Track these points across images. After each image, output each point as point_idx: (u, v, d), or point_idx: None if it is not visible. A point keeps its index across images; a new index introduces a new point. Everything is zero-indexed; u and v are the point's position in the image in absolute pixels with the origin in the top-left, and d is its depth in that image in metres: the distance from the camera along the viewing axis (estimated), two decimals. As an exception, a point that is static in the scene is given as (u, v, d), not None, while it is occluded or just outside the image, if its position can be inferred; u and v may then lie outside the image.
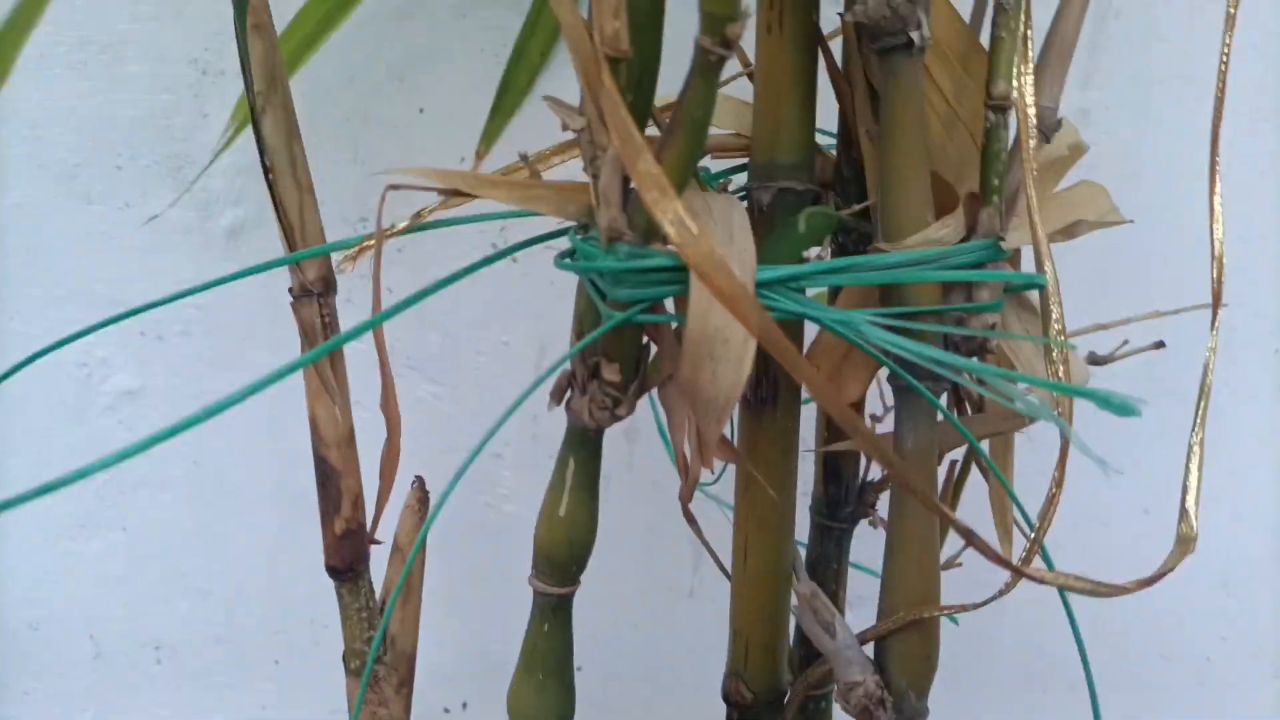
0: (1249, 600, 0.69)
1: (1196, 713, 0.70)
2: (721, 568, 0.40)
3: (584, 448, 0.34)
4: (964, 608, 0.33)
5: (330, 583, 0.68)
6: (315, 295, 0.40)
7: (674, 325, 0.31)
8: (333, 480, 0.42)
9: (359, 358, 0.44)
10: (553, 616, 0.37)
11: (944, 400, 0.34)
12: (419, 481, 0.47)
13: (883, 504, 0.43)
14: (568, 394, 0.34)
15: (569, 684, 0.38)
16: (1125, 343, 0.40)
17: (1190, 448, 0.35)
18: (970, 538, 0.27)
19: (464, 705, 0.70)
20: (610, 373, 0.31)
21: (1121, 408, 0.27)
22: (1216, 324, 0.36)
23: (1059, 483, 0.31)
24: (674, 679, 0.69)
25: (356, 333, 0.28)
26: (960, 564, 0.38)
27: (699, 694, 0.66)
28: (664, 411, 0.34)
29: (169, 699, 0.69)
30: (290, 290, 0.41)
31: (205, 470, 0.66)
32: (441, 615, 0.65)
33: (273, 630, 0.68)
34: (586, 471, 0.34)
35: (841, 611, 0.46)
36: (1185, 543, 0.34)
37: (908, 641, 0.34)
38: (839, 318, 0.30)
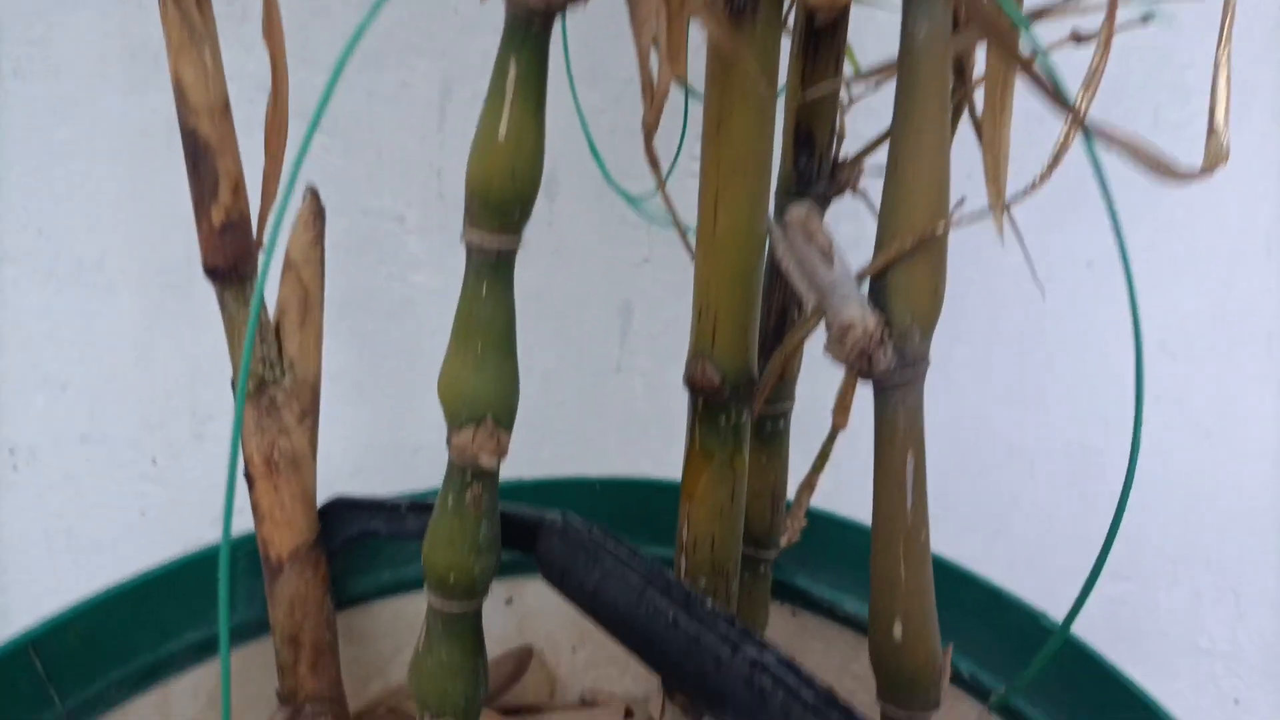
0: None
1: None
2: (684, 238, 0.35)
3: (527, 44, 0.28)
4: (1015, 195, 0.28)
5: (214, 366, 0.60)
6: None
7: None
8: (206, 159, 0.35)
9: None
10: (492, 276, 0.31)
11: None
12: (312, 195, 0.40)
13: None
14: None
15: (513, 360, 0.32)
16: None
17: (1216, 63, 0.31)
18: (1055, 93, 0.22)
19: (371, 501, 0.64)
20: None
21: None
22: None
23: (1106, 44, 0.26)
24: (601, 457, 0.64)
25: None
26: (964, 199, 0.33)
27: (628, 472, 0.62)
28: (628, 11, 0.28)
29: (30, 508, 0.61)
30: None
31: (54, 241, 0.57)
32: (346, 401, 0.59)
33: (148, 425, 0.60)
34: (531, 78, 0.28)
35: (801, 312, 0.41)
36: (1215, 156, 0.30)
37: (914, 270, 0.29)
38: None
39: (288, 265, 0.40)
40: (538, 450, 0.63)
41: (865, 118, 0.39)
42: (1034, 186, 0.29)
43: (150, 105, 0.55)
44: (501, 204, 0.29)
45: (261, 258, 0.37)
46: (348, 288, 0.58)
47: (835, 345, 0.30)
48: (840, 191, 0.38)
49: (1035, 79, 0.23)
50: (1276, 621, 0.73)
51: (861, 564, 0.50)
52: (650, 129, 0.30)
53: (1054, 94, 0.23)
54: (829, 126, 0.37)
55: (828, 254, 0.28)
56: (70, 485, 0.61)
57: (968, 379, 0.64)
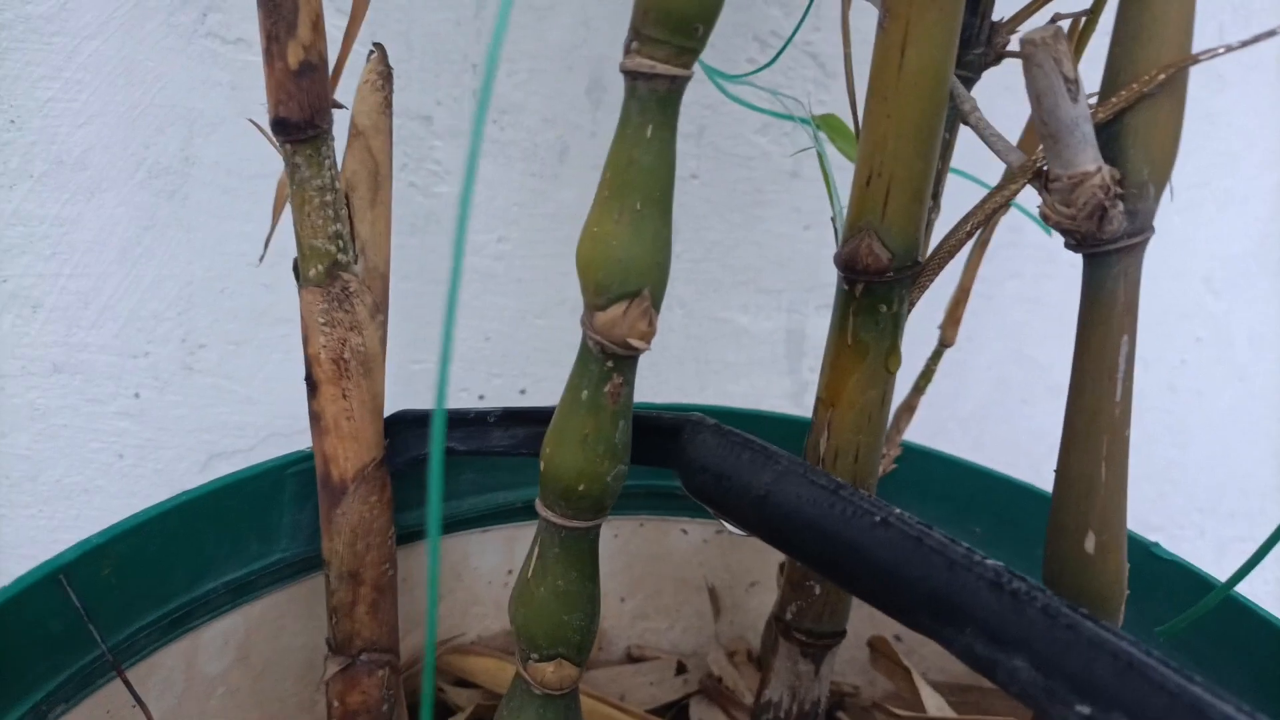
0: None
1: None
2: (848, 63, 0.30)
3: None
4: (1249, 41, 0.25)
5: (211, 287, 0.53)
6: None
7: None
8: (285, -18, 0.29)
9: None
10: (659, 114, 0.26)
11: None
12: (379, 50, 0.35)
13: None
14: None
15: (670, 225, 0.27)
16: None
17: None
18: None
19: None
20: None
21: None
22: None
23: None
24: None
25: None
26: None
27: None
28: None
29: (-8, 446, 0.54)
30: None
31: (29, 134, 0.49)
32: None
33: (131, 353, 0.54)
34: None
35: (938, 204, 0.37)
36: None
37: (1156, 112, 0.25)
38: None
39: (354, 133, 0.34)
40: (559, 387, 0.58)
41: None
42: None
43: (145, -21, 0.48)
44: (684, 18, 0.24)
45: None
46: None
47: (1060, 200, 0.26)
48: (998, 59, 0.34)
49: None
50: (1293, 571, 0.72)
51: (950, 498, 0.47)
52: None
53: None
54: (996, -24, 0.33)
55: (1073, 85, 0.24)
56: (39, 421, 0.54)
57: (1015, 312, 0.61)
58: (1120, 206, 0.26)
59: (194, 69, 0.49)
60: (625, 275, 0.27)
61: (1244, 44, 0.25)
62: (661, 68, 0.25)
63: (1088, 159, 0.25)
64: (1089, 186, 0.25)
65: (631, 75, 0.26)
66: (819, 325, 0.59)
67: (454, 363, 0.57)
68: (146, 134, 0.50)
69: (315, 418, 0.34)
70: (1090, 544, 0.28)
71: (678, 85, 0.26)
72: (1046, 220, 0.27)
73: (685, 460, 0.29)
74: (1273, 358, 0.66)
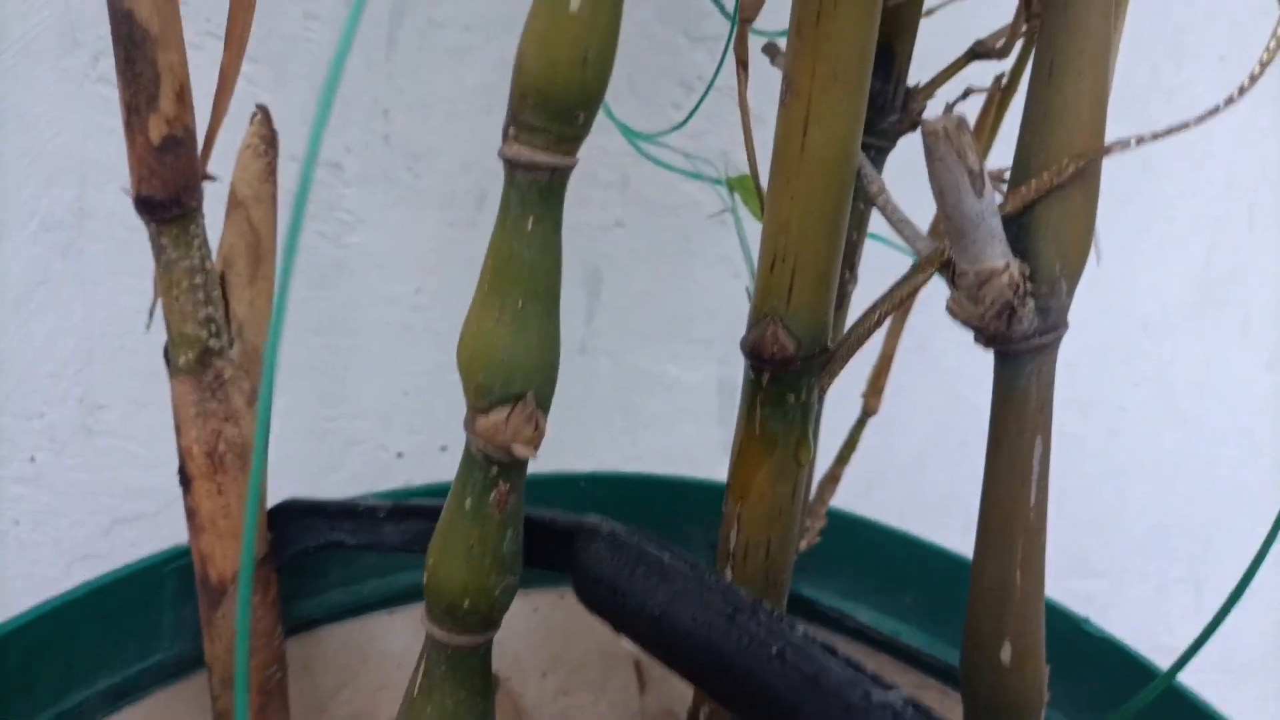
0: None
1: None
2: (751, 152, 0.28)
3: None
4: (1159, 134, 0.23)
5: (110, 344, 0.51)
6: None
7: None
8: (144, 51, 0.27)
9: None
10: (541, 206, 0.24)
11: None
12: (263, 114, 0.33)
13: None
14: None
15: (557, 321, 0.25)
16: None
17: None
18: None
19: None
20: None
21: None
22: None
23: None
24: (557, 451, 0.57)
25: None
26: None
27: (589, 467, 0.55)
28: None
29: (-127, 514, 0.50)
30: None
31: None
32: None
33: (26, 415, 0.51)
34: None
35: (854, 275, 0.36)
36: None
37: (1068, 204, 0.24)
38: None
39: (234, 203, 0.32)
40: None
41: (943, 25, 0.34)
42: (1240, 93, 0.23)
43: (37, 19, 0.45)
44: (566, 104, 0.22)
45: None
46: (282, 252, 0.50)
47: (967, 296, 0.24)
48: (913, 126, 0.32)
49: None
50: (1235, 614, 0.71)
51: (878, 568, 0.45)
52: (750, 15, 0.23)
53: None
54: (910, 43, 0.31)
55: (977, 178, 0.23)
56: (-75, 486, 0.50)
57: (950, 357, 0.60)
58: (1031, 304, 0.24)
59: (87, 115, 0.47)
60: (508, 378, 0.25)
61: (1159, 135, 0.24)
62: (542, 157, 0.23)
63: (995, 254, 0.23)
64: (997, 284, 0.24)
65: (510, 164, 0.24)
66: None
67: (371, 418, 0.54)
68: (38, 184, 0.47)
69: (190, 514, 0.31)
70: (1006, 654, 0.27)
71: (560, 175, 0.24)
72: (953, 316, 0.25)
73: (579, 570, 0.27)
74: (1212, 401, 0.65)
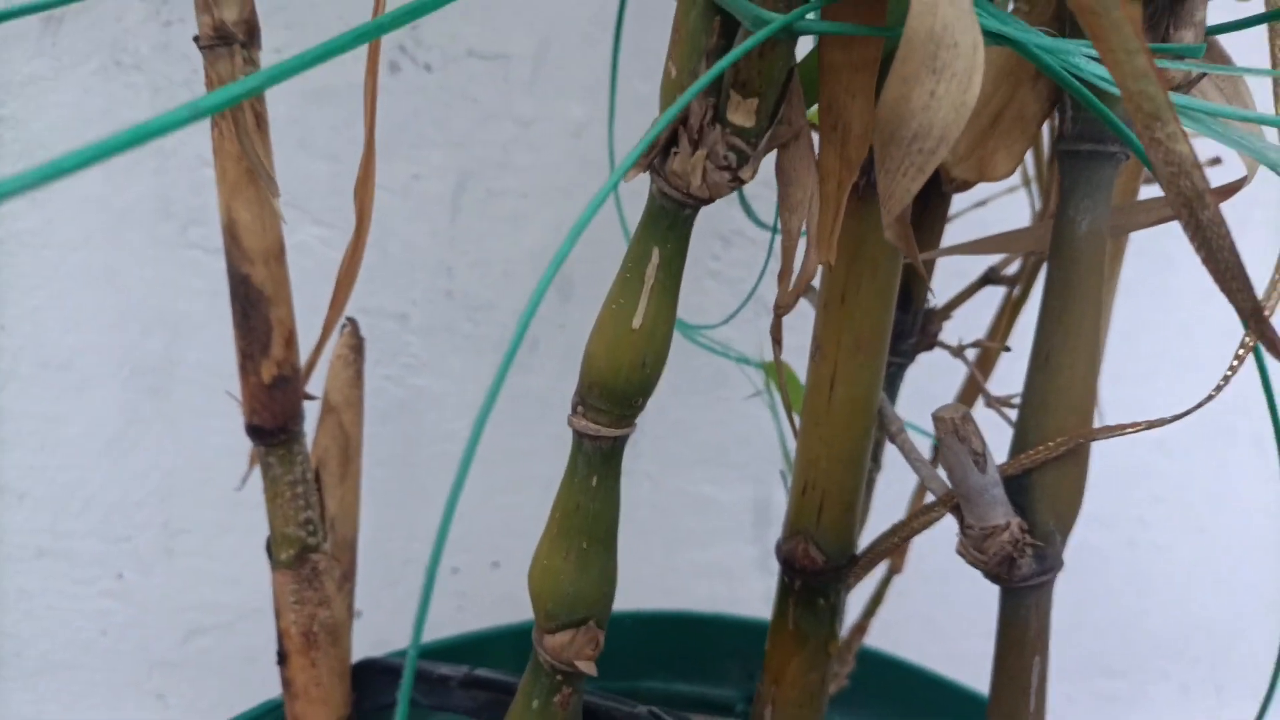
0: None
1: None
2: (789, 411, 0.32)
3: (674, 232, 0.25)
4: (1153, 423, 0.27)
5: (191, 476, 0.55)
6: (236, 43, 0.29)
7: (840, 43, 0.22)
8: (258, 309, 0.31)
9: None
10: (603, 467, 0.28)
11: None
12: (351, 325, 0.37)
13: (962, 329, 0.37)
14: (668, 153, 0.24)
15: (615, 555, 0.29)
16: None
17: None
18: (1259, 314, 0.20)
19: (357, 613, 0.59)
20: (743, 113, 0.22)
21: None
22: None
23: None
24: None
25: (320, 56, 0.17)
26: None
27: (630, 585, 0.59)
28: (779, 184, 0.25)
29: (-22, 629, 0.55)
30: (197, 38, 0.29)
31: (17, 338, 0.51)
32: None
33: (115, 538, 0.55)
34: (674, 265, 0.25)
35: (878, 464, 0.39)
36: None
37: (1062, 473, 0.27)
38: (1048, 45, 0.22)
39: (327, 409, 0.36)
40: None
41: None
42: (1207, 400, 0.27)
43: (133, 193, 0.50)
44: (627, 394, 0.26)
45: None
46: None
47: (973, 549, 0.28)
48: (930, 346, 0.36)
49: (1240, 299, 0.22)
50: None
51: (904, 706, 0.49)
52: (784, 310, 0.27)
53: (1263, 328, 0.22)
54: (926, 281, 0.35)
55: (980, 459, 0.26)
56: (25, 602, 0.55)
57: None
58: (1029, 553, 0.28)
59: (177, 277, 0.51)
60: (573, 607, 0.29)
61: (1152, 424, 0.27)
62: (605, 431, 0.27)
63: (998, 515, 0.27)
64: (998, 539, 0.27)
65: (578, 434, 0.28)
66: (783, 493, 0.61)
67: (427, 540, 0.59)
68: (132, 336, 0.52)
69: (286, 684, 0.36)
70: (1014, 838, 0.30)
71: (620, 441, 0.28)
72: (962, 557, 0.29)
73: (630, 760, 0.31)
74: (1229, 514, 0.68)
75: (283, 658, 0.35)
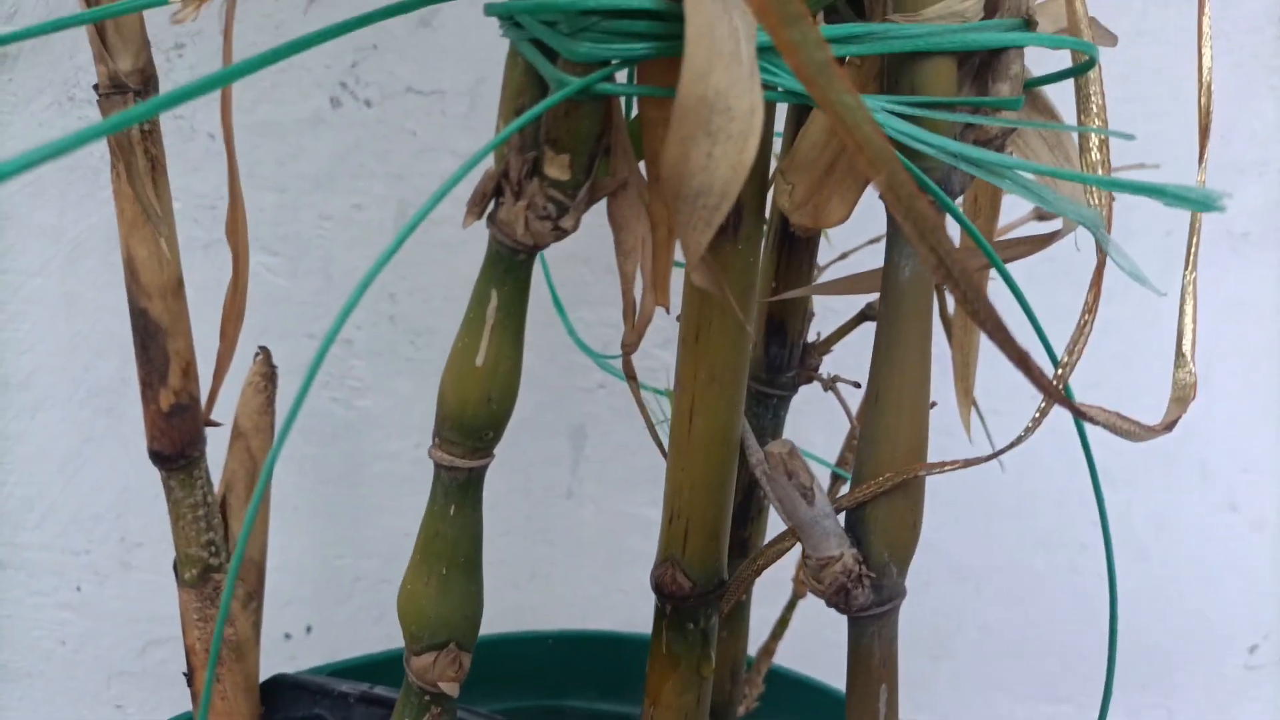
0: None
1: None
2: (656, 439, 0.34)
3: (511, 275, 0.27)
4: (970, 462, 0.28)
5: (146, 492, 0.58)
6: (130, 91, 0.31)
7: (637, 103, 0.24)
8: (156, 341, 0.33)
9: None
10: (460, 496, 0.29)
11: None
12: (264, 353, 0.39)
13: (840, 364, 0.38)
14: (492, 203, 0.26)
15: (478, 580, 0.31)
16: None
17: (1184, 288, 0.31)
18: (1025, 361, 0.22)
19: (308, 629, 0.61)
20: (557, 167, 0.24)
21: (1201, 203, 0.22)
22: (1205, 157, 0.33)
23: (1091, 308, 0.26)
24: (548, 586, 0.63)
25: (196, 90, 0.19)
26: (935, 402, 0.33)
27: (574, 603, 0.61)
28: (613, 231, 0.27)
29: (-61, 637, 0.57)
30: (95, 87, 0.31)
31: (-22, 360, 0.54)
32: (281, 528, 0.56)
33: (73, 550, 0.57)
34: (513, 306, 0.27)
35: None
36: (1183, 389, 0.31)
37: (893, 507, 0.29)
38: (849, 101, 0.23)
39: (236, 434, 0.38)
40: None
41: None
42: (1016, 442, 0.28)
43: (88, 222, 0.53)
44: (476, 428, 0.28)
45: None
46: (288, 411, 0.56)
47: (812, 578, 0.29)
48: (809, 379, 0.37)
49: (1017, 359, 0.23)
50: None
51: (816, 721, 0.50)
52: (630, 349, 0.29)
53: (1039, 378, 0.23)
54: (801, 316, 0.36)
55: (808, 492, 0.28)
56: (-17, 613, 0.57)
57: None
58: (865, 584, 0.29)
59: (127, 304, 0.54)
60: (435, 630, 0.30)
61: (958, 465, 0.29)
62: (460, 462, 0.29)
63: (831, 546, 0.28)
64: (832, 570, 0.28)
65: (437, 465, 0.29)
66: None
67: (375, 558, 0.60)
68: (86, 358, 0.54)
69: (195, 698, 0.37)
70: None
71: (476, 472, 0.29)
72: (805, 585, 0.30)
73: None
74: (1172, 541, 0.69)
75: (190, 672, 0.37)
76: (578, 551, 0.62)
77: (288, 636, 0.60)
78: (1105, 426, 0.25)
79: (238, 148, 0.53)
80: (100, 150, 0.51)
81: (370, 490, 0.59)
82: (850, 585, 0.29)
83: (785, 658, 0.48)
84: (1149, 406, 0.30)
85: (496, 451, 0.59)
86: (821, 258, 0.38)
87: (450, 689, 0.30)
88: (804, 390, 0.39)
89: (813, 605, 0.50)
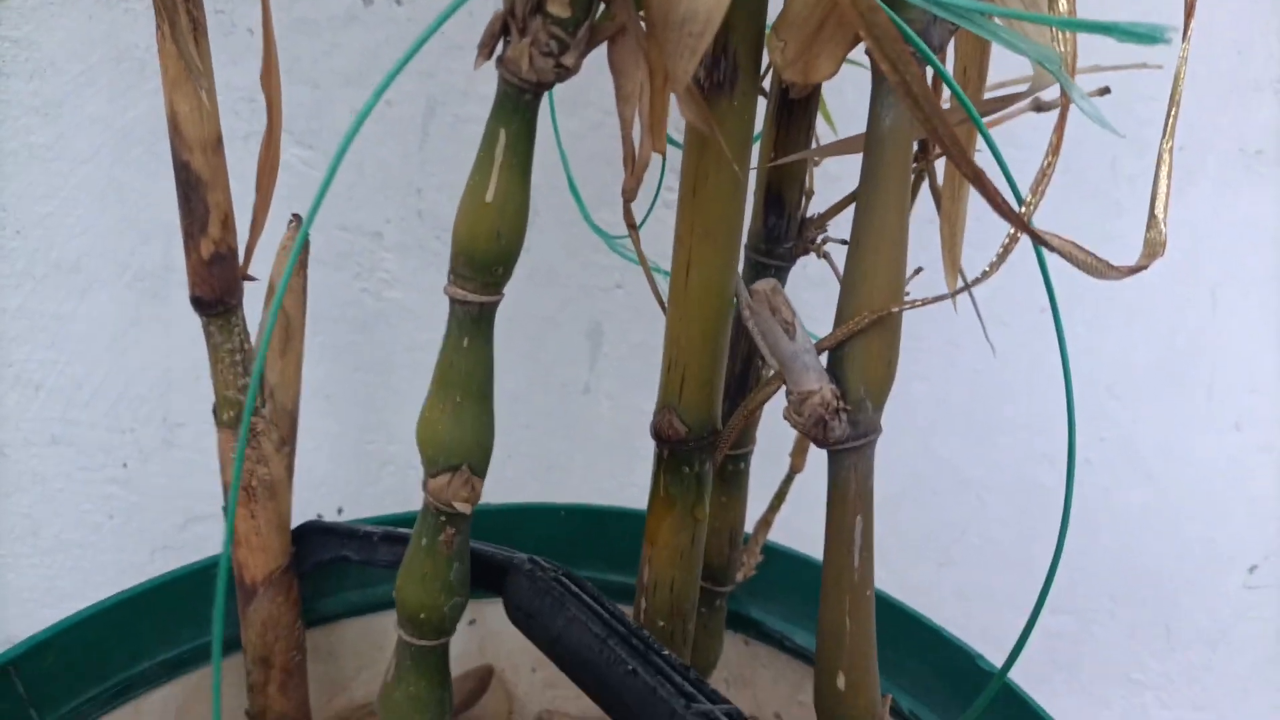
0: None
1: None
2: (656, 294, 0.36)
3: (518, 114, 0.29)
4: (940, 297, 0.30)
5: (188, 374, 0.61)
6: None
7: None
8: (197, 192, 0.36)
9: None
10: (473, 329, 0.32)
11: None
12: (296, 220, 0.41)
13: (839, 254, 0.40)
14: (499, 44, 0.28)
15: (489, 409, 0.33)
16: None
17: (1160, 155, 0.33)
18: (994, 196, 0.24)
19: (339, 510, 0.65)
20: (558, 4, 0.26)
21: (1148, 35, 0.24)
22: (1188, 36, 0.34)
23: (1055, 148, 0.28)
24: (564, 478, 0.66)
25: None
26: (922, 269, 0.35)
27: (590, 496, 0.63)
28: (612, 76, 0.29)
29: (-3, 506, 0.62)
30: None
31: (31, 242, 0.57)
32: (315, 414, 0.59)
33: (119, 429, 0.61)
34: (520, 145, 0.29)
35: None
36: (1153, 247, 0.33)
37: (869, 345, 0.31)
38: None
39: (270, 292, 0.41)
40: (502, 469, 0.64)
41: (837, 170, 0.41)
42: (984, 276, 0.30)
43: (135, 112, 0.56)
44: (486, 262, 0.31)
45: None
46: (322, 301, 0.59)
47: (793, 412, 0.31)
48: (806, 251, 0.40)
49: (984, 191, 0.25)
50: (1205, 655, 0.76)
51: (813, 598, 0.52)
52: (629, 195, 0.31)
53: (1001, 205, 0.25)
54: (799, 188, 0.38)
55: (790, 326, 0.30)
56: (39, 486, 0.61)
57: (923, 412, 0.67)
58: (843, 418, 0.31)
59: (173, 190, 0.57)
60: (449, 453, 0.33)
61: (919, 304, 0.31)
62: (472, 296, 0.31)
63: (811, 380, 0.31)
64: (811, 403, 0.31)
65: (451, 299, 0.32)
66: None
67: (402, 443, 0.64)
68: (132, 243, 0.57)
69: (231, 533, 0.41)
70: (841, 682, 0.34)
71: (487, 307, 0.32)
72: (788, 421, 0.32)
73: (505, 596, 0.36)
74: (1178, 461, 0.70)
75: (226, 508, 0.40)
76: (594, 446, 0.65)
77: (320, 516, 0.64)
78: (1062, 255, 0.27)
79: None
80: (148, 43, 0.54)
81: (399, 378, 0.62)
82: (828, 418, 0.31)
83: (784, 537, 0.50)
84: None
85: (517, 347, 0.62)
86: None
87: (464, 508, 0.33)
88: (806, 286, 0.41)
89: (810, 489, 0.52)
